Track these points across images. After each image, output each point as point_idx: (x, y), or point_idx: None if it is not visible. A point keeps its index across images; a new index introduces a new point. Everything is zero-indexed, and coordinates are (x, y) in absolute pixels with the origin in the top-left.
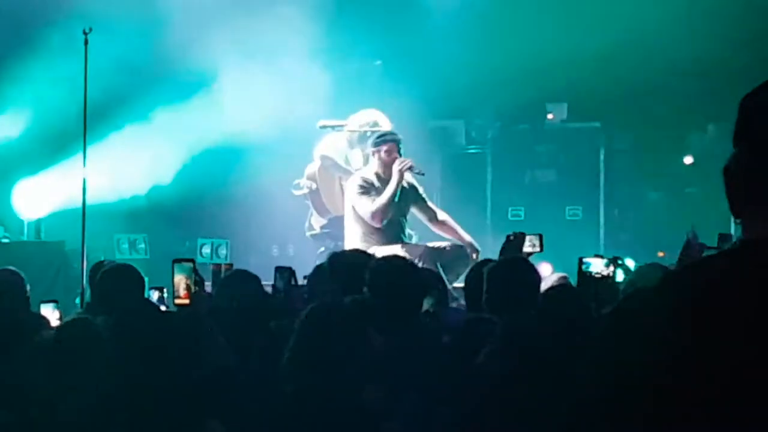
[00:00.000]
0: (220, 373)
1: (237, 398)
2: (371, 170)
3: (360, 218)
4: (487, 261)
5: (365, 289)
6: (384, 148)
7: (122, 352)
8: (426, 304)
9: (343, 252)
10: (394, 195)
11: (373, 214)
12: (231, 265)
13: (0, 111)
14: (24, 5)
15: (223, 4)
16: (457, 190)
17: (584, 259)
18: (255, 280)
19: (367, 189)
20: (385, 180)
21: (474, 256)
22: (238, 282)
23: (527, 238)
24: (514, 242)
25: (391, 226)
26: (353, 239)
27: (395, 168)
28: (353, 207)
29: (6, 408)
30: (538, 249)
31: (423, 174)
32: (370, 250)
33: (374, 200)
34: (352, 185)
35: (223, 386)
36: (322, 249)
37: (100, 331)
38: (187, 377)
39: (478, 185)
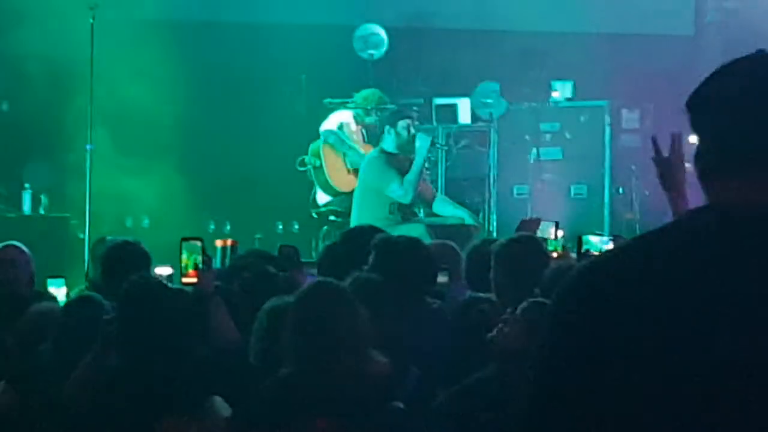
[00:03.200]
0: (225, 352)
1: (242, 376)
2: (389, 146)
3: (381, 196)
4: (491, 240)
5: (365, 268)
6: (402, 123)
7: (127, 329)
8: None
9: (362, 229)
10: (422, 170)
11: (406, 190)
12: (236, 241)
13: None
14: None
15: None
16: (462, 167)
17: (584, 237)
18: (270, 260)
19: (391, 165)
20: (402, 157)
21: (474, 232)
22: (252, 261)
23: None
24: (528, 227)
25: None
26: (371, 217)
27: (418, 144)
28: (373, 184)
29: (6, 380)
30: (552, 236)
31: (446, 148)
32: (389, 229)
33: (401, 176)
34: (375, 162)
35: (229, 364)
36: (326, 228)
37: (106, 307)
38: (192, 355)
39: (482, 163)
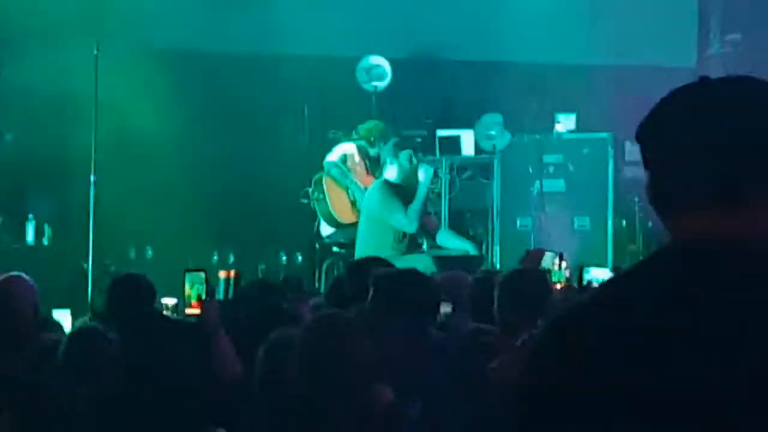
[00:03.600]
0: (228, 382)
1: (245, 407)
2: (392, 177)
3: (385, 226)
4: (494, 272)
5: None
6: (403, 154)
7: (131, 360)
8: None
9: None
10: (425, 199)
11: (410, 219)
12: (239, 272)
13: None
14: None
15: None
16: (465, 199)
17: (585, 269)
18: (273, 290)
19: (395, 195)
20: (405, 186)
21: (478, 263)
22: (257, 293)
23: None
24: (533, 258)
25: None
26: (376, 248)
27: (421, 174)
28: (378, 214)
29: (10, 410)
30: (556, 267)
31: (448, 177)
32: (394, 260)
33: (405, 206)
34: (378, 192)
35: (232, 395)
36: (329, 259)
37: (111, 339)
38: (195, 385)
39: (485, 195)
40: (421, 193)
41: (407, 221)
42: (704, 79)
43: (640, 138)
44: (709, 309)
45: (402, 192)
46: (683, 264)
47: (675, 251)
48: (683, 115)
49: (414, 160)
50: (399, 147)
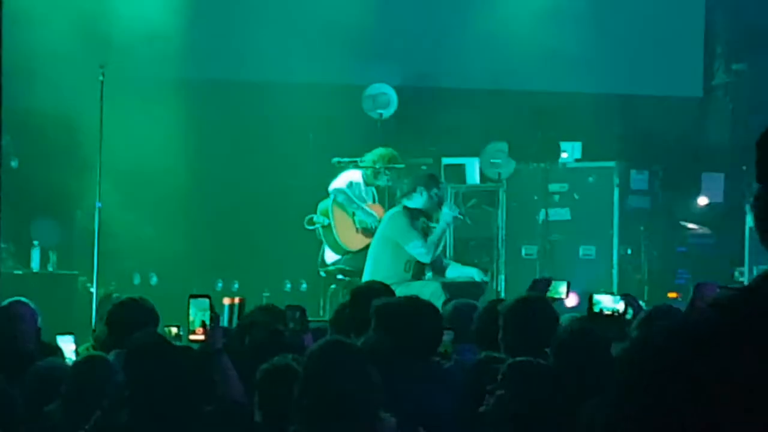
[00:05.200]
0: (231, 409)
1: None
2: (415, 204)
3: (398, 251)
4: (499, 300)
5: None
6: (435, 190)
7: (134, 386)
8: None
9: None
10: (442, 235)
11: (428, 249)
12: (243, 299)
13: None
14: None
15: None
16: (470, 227)
17: (594, 296)
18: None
19: (414, 223)
20: (421, 220)
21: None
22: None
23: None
24: (539, 287)
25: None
26: (386, 273)
27: (446, 213)
28: (397, 238)
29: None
30: (564, 296)
31: (469, 223)
32: (402, 287)
33: (423, 237)
34: (399, 218)
35: (235, 422)
36: (334, 287)
37: (114, 366)
38: (199, 412)
39: (491, 223)
40: (440, 227)
41: (424, 250)
42: None
43: (761, 145)
44: None
45: (420, 221)
46: None
47: None
48: None
49: (455, 209)
50: (433, 182)
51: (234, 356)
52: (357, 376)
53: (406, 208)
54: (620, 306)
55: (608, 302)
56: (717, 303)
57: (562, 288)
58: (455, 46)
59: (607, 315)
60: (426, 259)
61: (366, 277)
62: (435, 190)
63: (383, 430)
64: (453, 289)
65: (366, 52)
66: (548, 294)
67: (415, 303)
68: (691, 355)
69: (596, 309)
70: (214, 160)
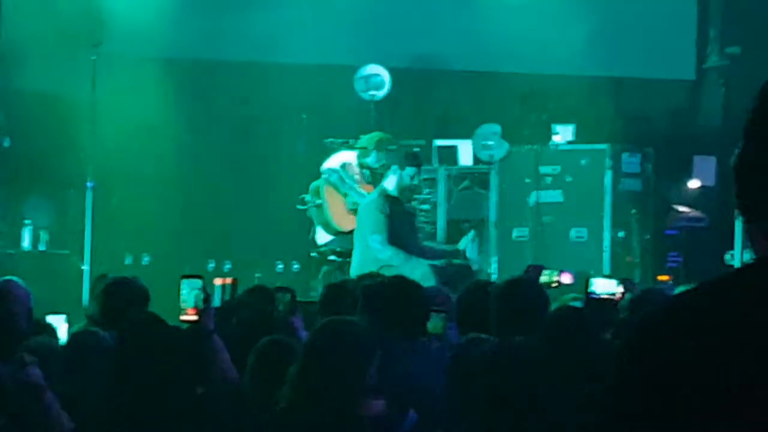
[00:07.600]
0: (223, 389)
1: (240, 414)
2: (389, 186)
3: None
4: (487, 282)
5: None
6: (409, 171)
7: (126, 367)
8: (439, 322)
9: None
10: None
11: (384, 246)
12: (236, 279)
13: None
14: None
15: None
16: (462, 209)
17: (590, 280)
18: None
19: (386, 211)
20: (401, 202)
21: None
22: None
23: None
24: (531, 275)
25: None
26: (372, 258)
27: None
28: (361, 221)
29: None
30: (555, 285)
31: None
32: (392, 269)
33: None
34: (371, 206)
35: (227, 402)
36: (326, 267)
37: (108, 343)
38: (190, 392)
39: (482, 205)
40: (438, 258)
41: (380, 246)
42: None
43: (749, 129)
44: None
45: (398, 205)
46: None
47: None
48: None
49: (416, 179)
50: (409, 161)
51: (225, 336)
52: (354, 357)
53: (383, 192)
54: (619, 290)
55: (606, 286)
56: (700, 288)
57: (555, 276)
58: (449, 28)
59: (605, 299)
60: (381, 254)
61: (354, 260)
62: (409, 171)
63: (373, 412)
64: (442, 272)
65: (360, 33)
66: (541, 281)
67: (400, 283)
68: (678, 340)
69: (594, 293)
70: (207, 140)
